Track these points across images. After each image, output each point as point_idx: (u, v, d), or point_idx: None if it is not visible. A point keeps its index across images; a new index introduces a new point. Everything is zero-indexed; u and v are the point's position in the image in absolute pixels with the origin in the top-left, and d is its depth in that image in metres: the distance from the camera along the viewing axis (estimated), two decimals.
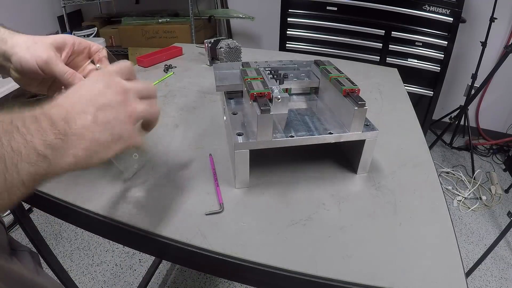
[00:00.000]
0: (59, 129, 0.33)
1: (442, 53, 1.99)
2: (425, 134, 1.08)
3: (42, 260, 0.82)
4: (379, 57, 2.11)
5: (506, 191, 2.07)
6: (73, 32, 2.49)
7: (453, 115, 2.35)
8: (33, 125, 0.32)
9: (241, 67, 0.69)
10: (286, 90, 0.69)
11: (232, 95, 0.70)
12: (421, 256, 0.46)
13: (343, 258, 0.45)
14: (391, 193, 0.57)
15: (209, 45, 1.06)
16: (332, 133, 0.57)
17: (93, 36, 2.55)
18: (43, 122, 0.33)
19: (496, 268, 1.58)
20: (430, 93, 2.13)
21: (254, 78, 0.61)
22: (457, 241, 0.48)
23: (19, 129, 0.31)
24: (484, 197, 1.99)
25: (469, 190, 2.04)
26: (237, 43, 1.05)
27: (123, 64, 0.43)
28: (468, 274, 1.51)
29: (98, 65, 0.54)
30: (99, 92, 0.38)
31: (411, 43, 2.02)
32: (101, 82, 0.39)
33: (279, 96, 0.55)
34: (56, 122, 0.33)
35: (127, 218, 0.51)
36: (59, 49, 0.50)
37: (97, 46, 0.55)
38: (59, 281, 0.77)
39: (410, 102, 0.90)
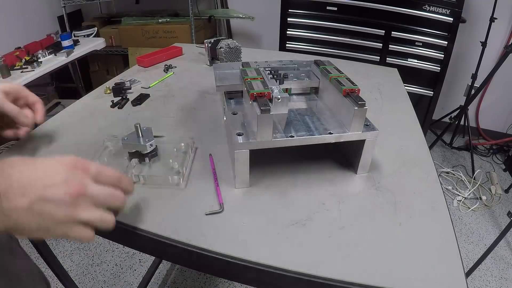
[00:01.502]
0: None
1: (442, 53, 1.99)
2: (425, 134, 1.08)
3: (42, 262, 0.82)
4: (379, 57, 2.11)
5: (506, 191, 2.07)
6: (73, 32, 2.49)
7: (453, 115, 2.35)
8: None
9: (241, 67, 0.69)
10: (286, 90, 0.69)
11: (232, 95, 0.70)
12: (421, 256, 0.46)
13: (343, 258, 0.45)
14: (391, 193, 0.57)
15: (209, 45, 1.07)
16: (332, 133, 0.57)
17: (93, 36, 2.55)
18: None
19: (496, 268, 1.58)
20: (430, 93, 2.13)
21: (254, 78, 0.61)
22: (457, 241, 0.48)
23: None
24: (484, 197, 1.99)
25: (469, 190, 2.04)
26: (237, 43, 1.05)
27: None
28: (468, 274, 1.51)
29: None
30: (51, 183, 0.37)
31: (411, 43, 2.02)
32: (61, 174, 0.38)
33: (279, 96, 0.55)
34: None
35: (127, 218, 0.51)
36: (6, 93, 0.60)
37: (33, 97, 0.64)
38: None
39: (410, 102, 0.90)
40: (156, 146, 0.63)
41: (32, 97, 0.64)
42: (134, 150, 0.62)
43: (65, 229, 0.37)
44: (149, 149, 0.61)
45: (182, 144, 0.66)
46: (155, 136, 0.63)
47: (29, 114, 0.62)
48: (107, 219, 0.40)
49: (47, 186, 0.36)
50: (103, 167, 0.42)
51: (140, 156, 0.62)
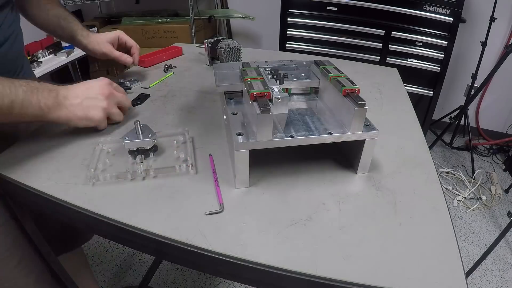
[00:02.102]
0: (57, 100, 0.62)
1: (442, 53, 1.99)
2: (425, 134, 1.08)
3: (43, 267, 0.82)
4: (379, 57, 2.11)
5: (506, 191, 2.07)
6: None
7: (453, 115, 2.35)
8: (45, 92, 0.60)
9: (241, 67, 0.69)
10: (286, 90, 0.69)
11: (232, 95, 0.70)
12: (421, 256, 0.46)
13: (343, 258, 0.45)
14: (391, 193, 0.57)
15: (209, 45, 1.06)
16: (332, 133, 0.57)
17: None
18: (51, 93, 0.61)
19: (496, 268, 1.58)
20: (430, 93, 2.13)
21: (254, 78, 0.61)
22: (457, 241, 0.48)
23: (38, 90, 0.59)
24: (484, 197, 1.99)
25: (469, 190, 2.04)
26: (237, 43, 1.05)
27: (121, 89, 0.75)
28: (468, 274, 1.51)
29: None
30: (93, 90, 0.67)
31: (411, 43, 2.02)
32: (98, 84, 0.68)
33: (279, 96, 0.55)
34: (58, 96, 0.62)
35: (127, 218, 0.51)
36: (112, 42, 0.93)
37: (131, 42, 0.97)
38: None
39: (410, 102, 0.90)
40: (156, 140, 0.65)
41: (130, 42, 0.96)
42: (135, 148, 0.62)
43: (100, 116, 0.67)
44: (152, 144, 0.63)
45: (180, 136, 0.70)
46: None
47: (128, 59, 0.94)
48: (120, 115, 0.73)
49: (90, 90, 0.66)
50: (122, 96, 0.73)
51: (143, 152, 0.63)
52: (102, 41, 0.90)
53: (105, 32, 0.92)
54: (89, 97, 0.65)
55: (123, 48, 0.96)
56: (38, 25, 0.88)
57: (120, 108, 0.73)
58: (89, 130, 0.73)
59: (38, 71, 1.86)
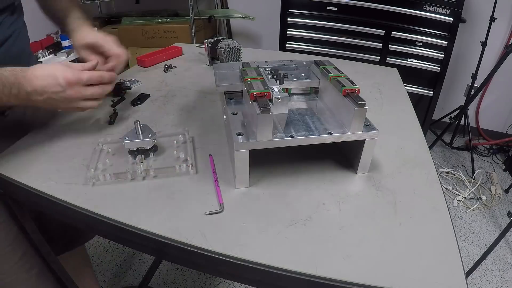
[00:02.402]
0: (22, 97, 0.58)
1: (442, 53, 1.99)
2: (425, 134, 1.08)
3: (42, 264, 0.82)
4: (379, 57, 2.11)
5: (506, 191, 2.07)
6: None
7: (453, 115, 2.35)
8: (8, 89, 0.57)
9: (241, 67, 0.69)
10: (286, 90, 0.69)
11: (232, 95, 0.70)
12: (421, 256, 0.46)
13: (343, 258, 0.45)
14: (391, 193, 0.57)
15: (209, 45, 1.06)
16: (332, 133, 0.57)
17: None
18: (13, 89, 0.57)
19: (496, 268, 1.58)
20: (430, 93, 2.13)
21: (254, 78, 0.61)
22: (457, 241, 0.48)
23: (5, 86, 0.56)
24: (484, 197, 1.99)
25: (469, 190, 2.04)
26: (237, 43, 1.05)
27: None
28: (468, 274, 1.51)
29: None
30: (50, 81, 0.59)
31: (411, 43, 2.02)
32: (53, 74, 0.59)
33: (279, 96, 0.55)
34: (20, 94, 0.58)
35: (127, 218, 0.51)
36: (90, 47, 0.77)
37: (113, 51, 0.76)
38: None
39: (410, 102, 0.90)
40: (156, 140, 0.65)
41: (111, 49, 0.76)
42: (135, 148, 0.62)
43: (69, 106, 0.63)
44: (152, 144, 0.63)
45: (180, 136, 0.70)
46: None
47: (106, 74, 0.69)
48: (92, 105, 0.66)
49: (53, 92, 0.59)
50: (91, 73, 0.63)
51: (143, 152, 0.63)
52: (79, 44, 0.76)
53: (86, 33, 0.78)
54: (50, 92, 0.59)
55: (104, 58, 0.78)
56: (45, 13, 0.85)
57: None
58: (89, 130, 0.73)
59: None
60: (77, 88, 0.61)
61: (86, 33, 0.77)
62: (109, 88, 0.67)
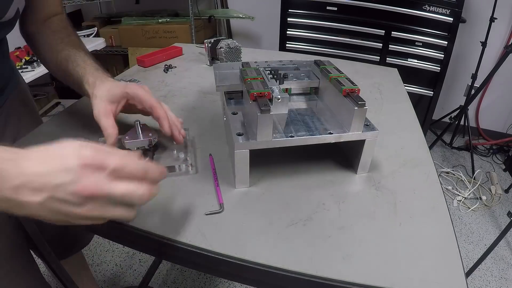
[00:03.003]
0: (8, 195, 0.34)
1: (442, 53, 1.99)
2: (425, 134, 1.08)
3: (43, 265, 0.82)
4: (379, 57, 2.11)
5: (506, 191, 2.07)
6: None
7: (453, 115, 2.35)
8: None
9: (241, 67, 0.69)
10: (286, 90, 0.69)
11: (232, 95, 0.70)
12: (421, 256, 0.46)
13: (343, 258, 0.45)
14: (391, 193, 0.57)
15: (209, 45, 1.06)
16: (332, 133, 0.57)
17: (93, 36, 2.55)
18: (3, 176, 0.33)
19: (496, 268, 1.58)
20: (430, 93, 2.13)
21: (254, 78, 0.61)
22: (457, 241, 0.48)
23: None
24: (484, 197, 1.99)
25: (469, 190, 2.04)
26: (237, 43, 1.04)
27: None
28: (468, 274, 1.51)
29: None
30: (62, 182, 0.34)
31: (411, 43, 2.02)
32: (74, 171, 0.34)
33: (279, 96, 0.55)
34: (9, 183, 0.33)
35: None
36: (117, 101, 0.60)
37: (151, 102, 0.59)
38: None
39: (410, 102, 0.90)
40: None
41: (148, 101, 0.58)
42: (135, 148, 0.62)
43: (79, 221, 0.36)
44: (153, 143, 0.63)
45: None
46: None
47: (112, 136, 0.56)
48: (124, 217, 0.38)
49: (58, 186, 0.34)
50: (126, 159, 0.37)
51: (143, 152, 0.63)
52: (101, 99, 0.59)
53: (113, 83, 0.61)
54: (52, 185, 0.34)
55: (139, 109, 0.62)
56: (51, 71, 0.74)
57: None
58: (89, 130, 0.73)
59: (38, 71, 1.86)
60: (98, 178, 0.35)
61: (112, 84, 0.60)
62: (155, 191, 0.39)
